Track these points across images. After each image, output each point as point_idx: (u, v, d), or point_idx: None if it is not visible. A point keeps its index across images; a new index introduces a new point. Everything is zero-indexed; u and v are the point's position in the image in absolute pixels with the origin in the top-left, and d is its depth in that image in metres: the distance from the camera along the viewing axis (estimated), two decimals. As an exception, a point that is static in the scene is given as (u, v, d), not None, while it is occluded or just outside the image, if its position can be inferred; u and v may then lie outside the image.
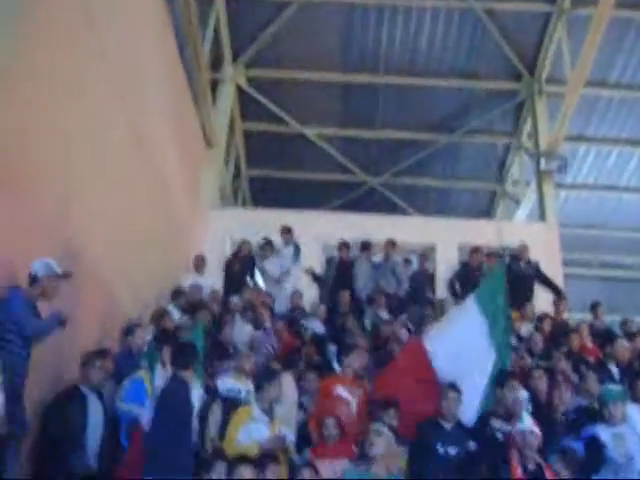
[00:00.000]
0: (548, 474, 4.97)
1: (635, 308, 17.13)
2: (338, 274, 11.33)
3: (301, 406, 6.81)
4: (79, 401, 5.58)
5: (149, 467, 4.88)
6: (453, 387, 6.02)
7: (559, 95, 14.32)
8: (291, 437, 5.88)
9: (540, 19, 14.07)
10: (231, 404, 6.27)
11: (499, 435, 5.62)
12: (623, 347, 8.51)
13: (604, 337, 9.25)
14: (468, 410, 6.01)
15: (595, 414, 5.96)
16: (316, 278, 11.76)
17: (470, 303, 6.97)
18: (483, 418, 5.86)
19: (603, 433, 5.63)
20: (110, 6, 7.62)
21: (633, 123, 15.90)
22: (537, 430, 5.16)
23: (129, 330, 7.36)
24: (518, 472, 4.88)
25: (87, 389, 5.77)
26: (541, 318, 9.79)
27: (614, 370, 7.99)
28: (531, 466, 5.03)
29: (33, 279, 5.00)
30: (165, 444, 4.83)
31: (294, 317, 9.84)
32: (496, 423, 5.72)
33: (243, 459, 5.05)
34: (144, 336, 7.48)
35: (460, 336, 6.62)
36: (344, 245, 11.54)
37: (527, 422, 5.19)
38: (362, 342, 8.17)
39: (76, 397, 5.60)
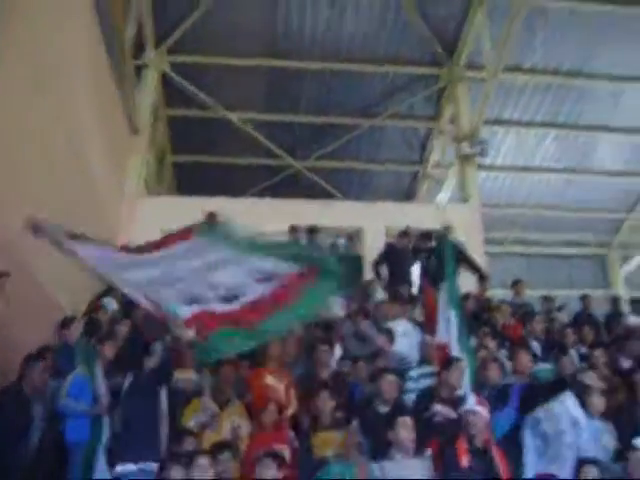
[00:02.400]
0: (495, 452, 5.21)
1: (553, 283, 17.96)
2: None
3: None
4: (23, 401, 5.63)
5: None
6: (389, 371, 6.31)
7: (478, 80, 14.77)
8: (248, 428, 6.03)
9: (460, 6, 14.41)
10: (178, 395, 6.40)
11: (438, 419, 5.79)
12: (540, 324, 8.94)
13: (524, 314, 9.66)
14: None
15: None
16: None
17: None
18: (425, 400, 6.02)
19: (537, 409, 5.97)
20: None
21: (547, 106, 16.55)
22: (481, 410, 5.39)
23: (64, 324, 7.33)
24: (464, 450, 5.12)
25: (30, 390, 5.79)
26: (465, 297, 10.11)
27: (535, 346, 8.40)
28: (478, 445, 5.25)
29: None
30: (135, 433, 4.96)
31: None
32: (437, 407, 5.88)
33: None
34: (80, 329, 7.48)
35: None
36: None
37: (470, 402, 5.41)
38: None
39: (20, 397, 5.64)
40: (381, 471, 5.14)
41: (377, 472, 5.15)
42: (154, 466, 5.19)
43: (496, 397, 6.25)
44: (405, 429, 5.23)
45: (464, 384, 6.20)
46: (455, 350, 6.64)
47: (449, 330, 6.71)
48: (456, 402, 5.90)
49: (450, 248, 7.52)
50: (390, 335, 7.86)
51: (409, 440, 5.22)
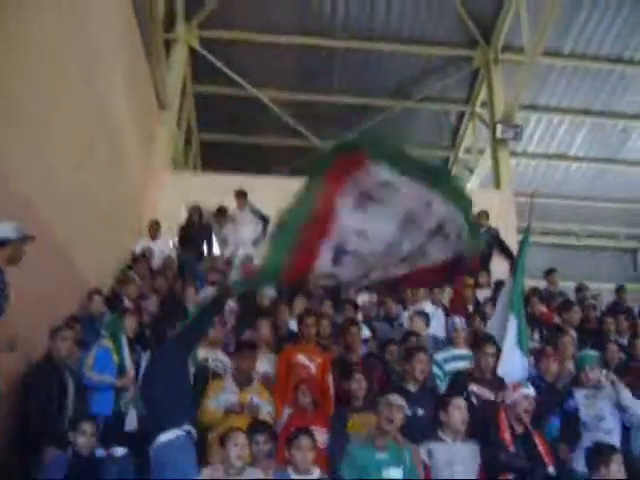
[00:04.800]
0: (538, 440, 4.99)
1: (581, 275, 17.55)
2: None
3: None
4: (55, 370, 5.62)
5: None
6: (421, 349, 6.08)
7: (514, 63, 14.38)
8: (267, 408, 5.78)
9: (498, -13, 14.00)
10: (200, 373, 6.24)
11: (474, 400, 5.56)
12: (578, 313, 8.69)
13: (560, 303, 9.40)
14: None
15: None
16: None
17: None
18: (460, 381, 5.81)
19: (577, 394, 5.72)
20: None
21: (585, 93, 16.13)
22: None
23: (89, 296, 7.27)
24: (507, 435, 4.90)
25: (58, 359, 5.74)
26: (498, 285, 9.85)
27: (573, 335, 8.14)
28: (519, 430, 5.04)
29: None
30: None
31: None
32: (474, 387, 5.67)
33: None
34: (101, 302, 7.39)
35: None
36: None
37: (530, 389, 5.21)
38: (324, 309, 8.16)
39: (51, 366, 5.64)
40: (427, 454, 4.91)
41: (424, 454, 4.92)
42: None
43: (553, 398, 6.02)
44: (459, 411, 4.98)
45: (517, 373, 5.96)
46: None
47: (501, 329, 6.48)
48: (494, 384, 5.68)
49: (527, 246, 7.22)
50: (426, 318, 7.67)
51: (461, 423, 4.98)
